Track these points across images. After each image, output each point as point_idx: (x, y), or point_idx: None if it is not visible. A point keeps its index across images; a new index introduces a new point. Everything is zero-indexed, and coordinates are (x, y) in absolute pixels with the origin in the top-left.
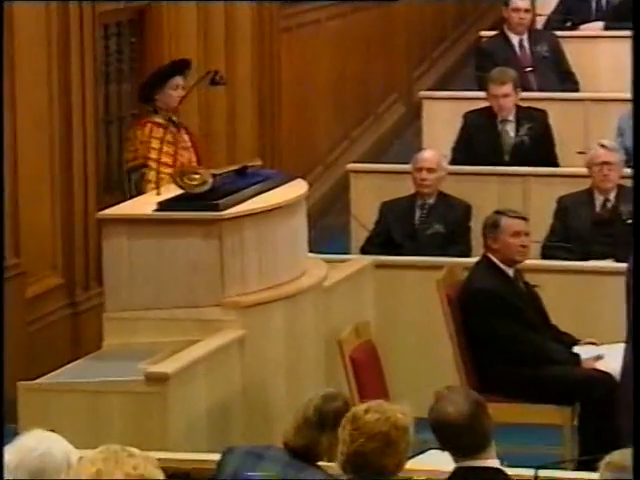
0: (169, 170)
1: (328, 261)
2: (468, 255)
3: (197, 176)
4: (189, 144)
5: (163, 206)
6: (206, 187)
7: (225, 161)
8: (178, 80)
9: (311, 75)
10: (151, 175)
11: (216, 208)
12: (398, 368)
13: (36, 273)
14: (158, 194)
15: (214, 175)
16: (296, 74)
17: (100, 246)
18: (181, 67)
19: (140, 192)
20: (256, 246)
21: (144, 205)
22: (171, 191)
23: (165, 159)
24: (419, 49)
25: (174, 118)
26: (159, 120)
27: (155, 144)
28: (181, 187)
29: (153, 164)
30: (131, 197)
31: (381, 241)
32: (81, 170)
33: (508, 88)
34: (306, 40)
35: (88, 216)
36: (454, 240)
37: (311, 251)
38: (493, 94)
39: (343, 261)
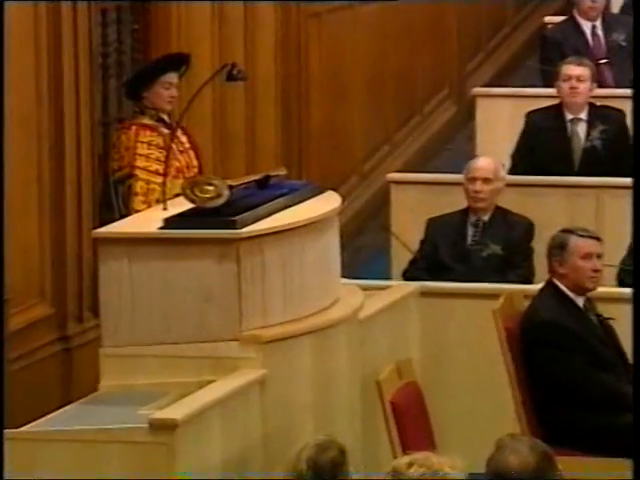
0: (160, 179)
1: (364, 288)
2: (530, 281)
3: (211, 188)
4: (187, 146)
5: (170, 223)
6: (221, 200)
7: (244, 170)
8: (171, 77)
9: (345, 69)
10: (138, 186)
11: (233, 225)
12: (447, 414)
13: (21, 302)
14: (165, 208)
15: (231, 187)
16: (327, 67)
17: (96, 270)
18: (177, 62)
19: (128, 207)
20: (280, 270)
21: (148, 222)
22: (180, 205)
23: (155, 166)
24: (473, 38)
25: (165, 117)
26: (146, 121)
27: (142, 149)
28: (192, 200)
29: (140, 173)
30: (121, 215)
31: (427, 264)
32: (74, 181)
33: (585, 71)
34: (339, 27)
35: (82, 235)
36: (513, 263)
37: (344, 276)
38: (567, 74)
39: (382, 288)
